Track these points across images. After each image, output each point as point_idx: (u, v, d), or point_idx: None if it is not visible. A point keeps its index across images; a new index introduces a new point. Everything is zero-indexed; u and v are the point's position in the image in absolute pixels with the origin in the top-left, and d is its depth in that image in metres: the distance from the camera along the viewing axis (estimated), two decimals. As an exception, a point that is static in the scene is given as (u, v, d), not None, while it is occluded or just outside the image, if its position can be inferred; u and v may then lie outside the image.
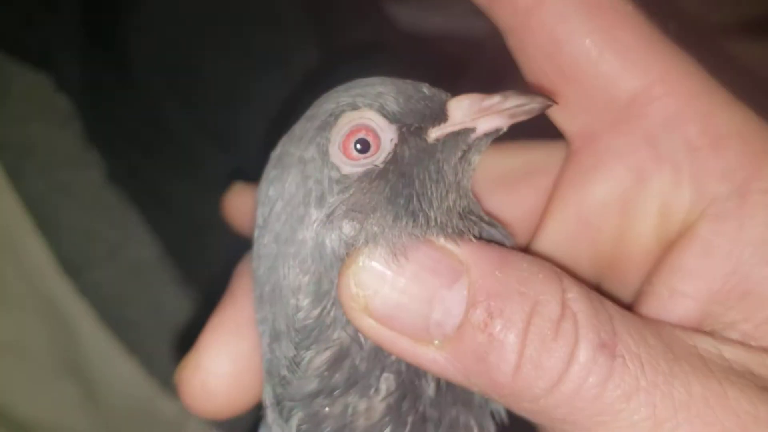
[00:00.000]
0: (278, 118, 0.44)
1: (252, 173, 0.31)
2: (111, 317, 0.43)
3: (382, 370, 0.17)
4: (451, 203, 0.18)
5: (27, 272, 0.44)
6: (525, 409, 0.16)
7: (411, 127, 0.17)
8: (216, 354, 0.20)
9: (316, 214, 0.17)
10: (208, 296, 0.41)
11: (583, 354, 0.15)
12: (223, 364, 0.20)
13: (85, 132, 0.42)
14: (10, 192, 0.43)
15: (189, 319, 0.43)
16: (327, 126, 0.17)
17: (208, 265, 0.42)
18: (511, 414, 0.19)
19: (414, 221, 0.17)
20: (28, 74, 0.43)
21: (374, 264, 0.16)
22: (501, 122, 0.17)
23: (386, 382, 0.17)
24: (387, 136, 0.17)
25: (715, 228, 0.18)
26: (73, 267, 0.43)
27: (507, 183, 0.22)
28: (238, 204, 0.26)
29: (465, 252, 0.16)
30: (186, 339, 0.45)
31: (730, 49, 0.78)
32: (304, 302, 0.17)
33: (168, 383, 0.43)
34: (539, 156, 0.22)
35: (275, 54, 0.42)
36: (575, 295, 0.16)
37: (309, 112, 0.18)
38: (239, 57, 0.42)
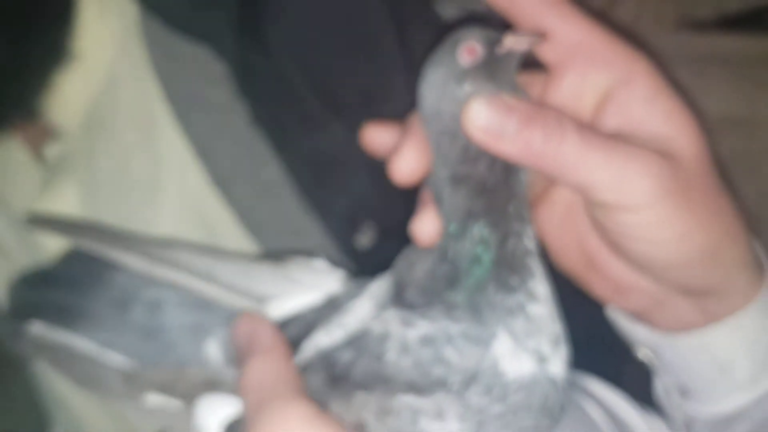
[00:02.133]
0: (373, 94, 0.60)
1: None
2: (248, 222, 0.57)
3: (482, 157, 0.35)
4: (509, 80, 0.36)
5: (187, 189, 0.58)
6: (545, 164, 0.34)
7: (490, 48, 0.35)
8: (410, 146, 0.37)
9: (453, 84, 0.35)
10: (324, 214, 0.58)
11: (570, 134, 0.34)
12: (416, 151, 0.37)
13: (235, 88, 0.56)
14: (179, 132, 0.58)
15: (308, 228, 0.58)
16: (454, 46, 0.36)
17: (323, 191, 0.58)
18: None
19: (494, 86, 0.35)
20: (195, 47, 0.57)
21: (480, 105, 0.34)
22: (525, 46, 0.35)
23: (484, 163, 0.35)
24: (481, 51, 0.35)
25: (618, 90, 0.36)
26: (223, 184, 0.57)
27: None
28: (373, 135, 0.41)
29: (515, 101, 0.34)
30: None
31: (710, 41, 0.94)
32: (451, 123, 0.35)
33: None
34: (539, 76, 0.39)
35: (372, 46, 0.58)
36: (565, 118, 0.34)
37: (442, 44, 0.36)
38: (349, 45, 0.57)
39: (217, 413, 0.36)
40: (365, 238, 0.60)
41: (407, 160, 0.36)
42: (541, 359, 0.34)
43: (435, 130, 0.36)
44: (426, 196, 0.37)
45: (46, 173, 0.62)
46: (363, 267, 0.41)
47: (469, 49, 0.35)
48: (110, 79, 0.59)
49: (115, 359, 0.40)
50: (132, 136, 0.60)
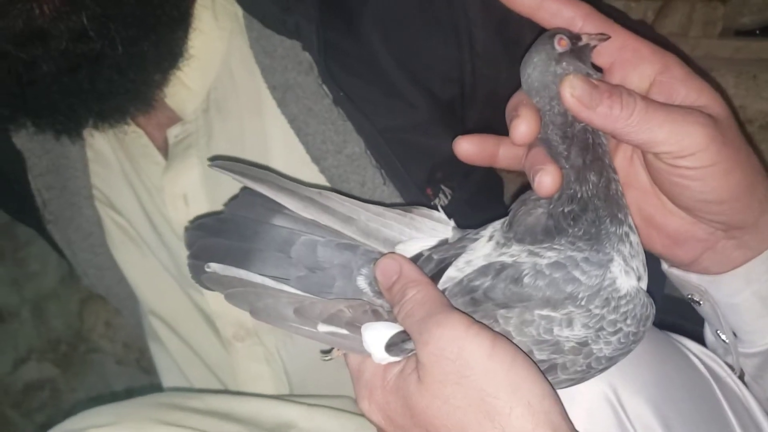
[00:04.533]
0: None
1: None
2: (336, 189, 0.62)
3: (575, 121, 0.42)
4: (587, 65, 0.43)
5: (291, 163, 0.64)
6: (620, 127, 0.40)
7: (573, 41, 0.42)
8: (525, 113, 0.42)
9: (554, 65, 0.42)
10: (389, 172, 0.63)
11: (638, 102, 0.40)
12: (530, 118, 0.42)
13: (321, 75, 0.61)
14: (279, 115, 0.63)
15: (388, 196, 0.63)
16: (550, 38, 0.42)
17: (405, 160, 0.63)
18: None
19: (582, 67, 0.42)
20: (286, 41, 0.63)
21: (576, 79, 0.40)
22: (597, 41, 0.43)
23: (577, 127, 0.42)
24: (568, 42, 0.42)
25: (660, 76, 0.43)
26: (315, 158, 0.63)
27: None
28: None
29: (597, 81, 0.41)
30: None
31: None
32: (555, 93, 0.42)
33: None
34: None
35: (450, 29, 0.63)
36: (634, 91, 0.41)
37: (540, 39, 0.43)
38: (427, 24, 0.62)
39: (380, 335, 0.42)
40: (440, 201, 0.66)
41: (525, 124, 0.42)
42: (639, 278, 0.41)
43: (545, 99, 0.42)
44: (539, 154, 0.43)
45: (167, 154, 0.69)
46: None
47: (560, 39, 0.42)
48: (224, 70, 0.66)
49: (288, 291, 0.44)
50: (245, 119, 0.66)
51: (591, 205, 0.41)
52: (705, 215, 0.43)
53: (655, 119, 0.40)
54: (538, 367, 0.39)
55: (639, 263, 0.41)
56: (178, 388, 0.78)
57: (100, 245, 0.73)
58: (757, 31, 0.96)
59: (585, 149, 0.42)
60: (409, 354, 0.41)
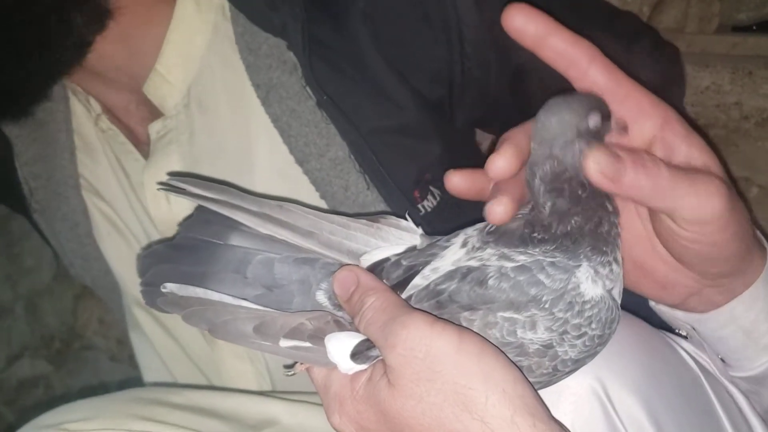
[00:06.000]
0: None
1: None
2: (322, 193, 0.63)
3: (572, 181, 0.40)
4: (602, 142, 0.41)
5: (272, 164, 0.64)
6: (644, 196, 0.39)
7: (603, 120, 0.40)
8: (508, 151, 0.41)
9: (574, 133, 0.39)
10: (374, 177, 0.62)
11: (663, 172, 0.39)
12: (512, 157, 0.41)
13: (305, 77, 0.60)
14: (263, 113, 0.63)
15: (371, 200, 0.63)
16: (590, 112, 0.40)
17: (391, 161, 0.62)
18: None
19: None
20: (272, 39, 0.62)
21: (600, 154, 0.38)
22: (618, 133, 0.41)
23: (576, 182, 0.40)
24: (600, 123, 0.40)
25: (662, 132, 0.42)
26: (299, 160, 0.62)
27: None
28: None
29: (623, 156, 0.39)
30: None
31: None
32: (559, 157, 0.40)
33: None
34: None
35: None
36: (657, 158, 0.40)
37: (580, 99, 0.41)
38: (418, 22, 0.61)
39: (344, 345, 0.41)
40: (428, 203, 0.64)
41: (504, 160, 0.41)
42: (610, 296, 0.40)
43: (543, 154, 0.40)
44: (509, 183, 0.42)
45: (148, 149, 0.68)
46: (423, 230, 0.46)
47: (595, 116, 0.40)
48: (206, 65, 0.65)
49: (247, 307, 0.43)
50: (227, 116, 0.65)
51: (573, 236, 0.40)
52: (701, 269, 0.43)
53: (679, 188, 0.39)
54: (506, 354, 0.38)
55: (617, 290, 0.41)
56: (159, 382, 0.78)
57: (86, 235, 0.72)
58: (754, 27, 0.95)
59: (577, 200, 0.40)
60: (375, 361, 0.40)
